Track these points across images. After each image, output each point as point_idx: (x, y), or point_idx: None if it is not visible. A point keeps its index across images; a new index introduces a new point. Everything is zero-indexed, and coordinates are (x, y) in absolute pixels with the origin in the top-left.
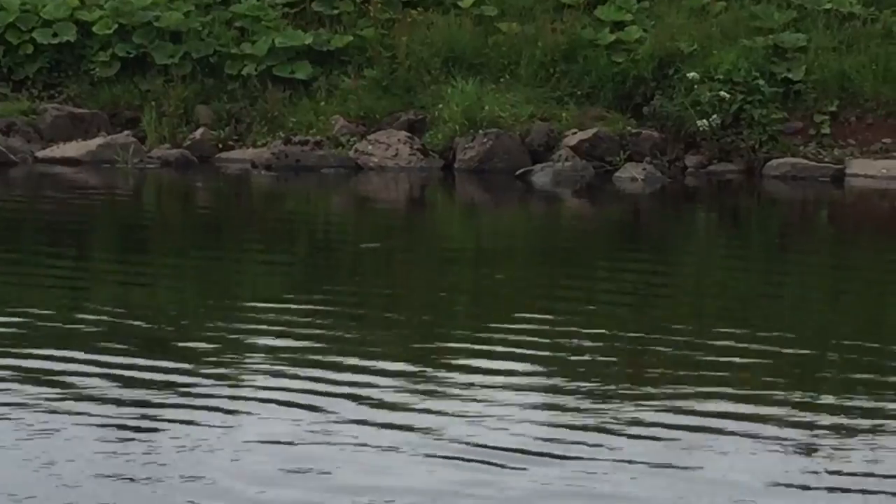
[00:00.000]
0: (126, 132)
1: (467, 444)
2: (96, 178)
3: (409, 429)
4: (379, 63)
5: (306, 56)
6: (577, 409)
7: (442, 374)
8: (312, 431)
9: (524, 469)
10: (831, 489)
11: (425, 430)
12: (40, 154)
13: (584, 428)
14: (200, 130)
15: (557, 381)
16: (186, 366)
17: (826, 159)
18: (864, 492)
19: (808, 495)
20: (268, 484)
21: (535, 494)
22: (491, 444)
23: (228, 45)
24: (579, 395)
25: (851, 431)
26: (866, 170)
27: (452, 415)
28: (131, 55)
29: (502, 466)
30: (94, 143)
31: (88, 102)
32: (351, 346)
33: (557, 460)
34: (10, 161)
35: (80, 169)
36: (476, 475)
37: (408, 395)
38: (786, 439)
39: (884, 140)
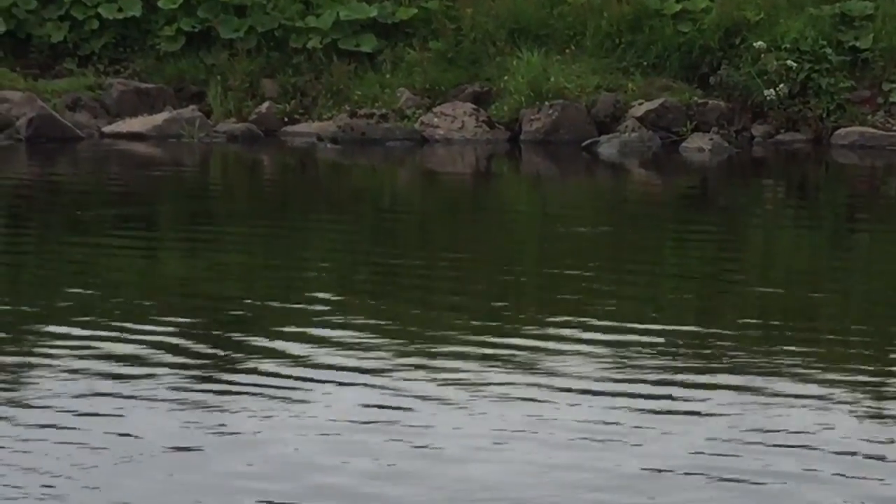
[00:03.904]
0: (192, 107)
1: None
2: (163, 153)
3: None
4: (444, 35)
5: (371, 29)
6: (647, 382)
7: (509, 346)
8: (381, 409)
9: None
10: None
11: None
12: (106, 129)
13: (655, 396)
14: (266, 104)
15: (626, 351)
16: (255, 339)
17: (894, 128)
18: None
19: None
20: (331, 466)
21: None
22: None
23: (293, 19)
24: (648, 368)
25: None
26: None
27: (519, 388)
28: (196, 29)
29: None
30: (160, 118)
31: (154, 77)
32: (418, 317)
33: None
34: (76, 136)
35: (146, 144)
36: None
37: (476, 369)
38: (858, 409)
39: None
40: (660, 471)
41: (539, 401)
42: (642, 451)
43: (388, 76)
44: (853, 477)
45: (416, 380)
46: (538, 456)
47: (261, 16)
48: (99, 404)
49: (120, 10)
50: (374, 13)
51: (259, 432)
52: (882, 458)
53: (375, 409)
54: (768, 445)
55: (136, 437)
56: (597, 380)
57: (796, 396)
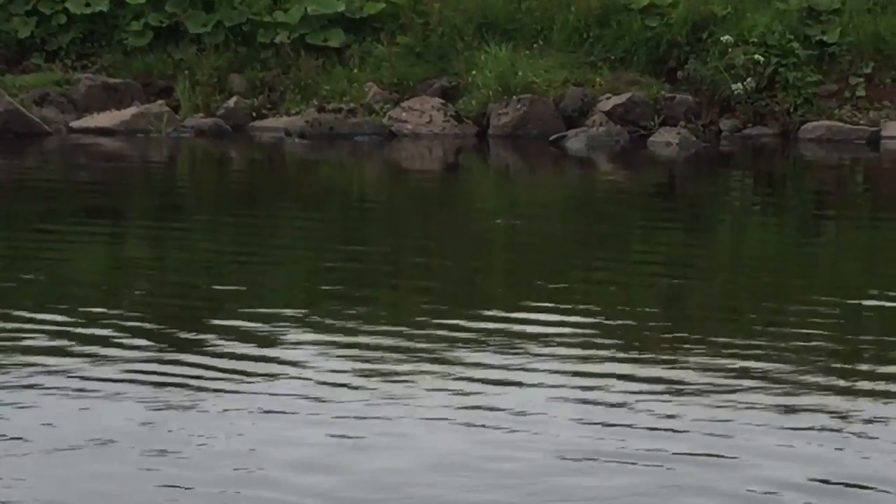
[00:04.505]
0: (160, 102)
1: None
2: (130, 148)
3: (455, 394)
4: (412, 30)
5: (339, 23)
6: (614, 372)
7: (477, 330)
8: (355, 405)
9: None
10: (864, 448)
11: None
12: (74, 124)
13: (623, 390)
14: (234, 99)
15: (595, 336)
16: (223, 332)
17: (861, 122)
18: None
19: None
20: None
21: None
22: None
23: (261, 14)
24: (616, 359)
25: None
26: None
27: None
28: (164, 24)
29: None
30: (127, 113)
31: (122, 72)
32: (387, 305)
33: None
34: (44, 132)
35: (113, 139)
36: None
37: (445, 360)
38: (825, 388)
39: None
40: (620, 451)
41: (506, 384)
42: (609, 432)
43: (355, 71)
44: (820, 453)
45: (383, 362)
46: (514, 436)
47: (228, 10)
48: (61, 390)
49: (87, 4)
50: (341, 8)
51: (224, 411)
52: (849, 435)
53: (341, 391)
54: (737, 424)
55: (99, 423)
56: (565, 363)
57: (763, 378)
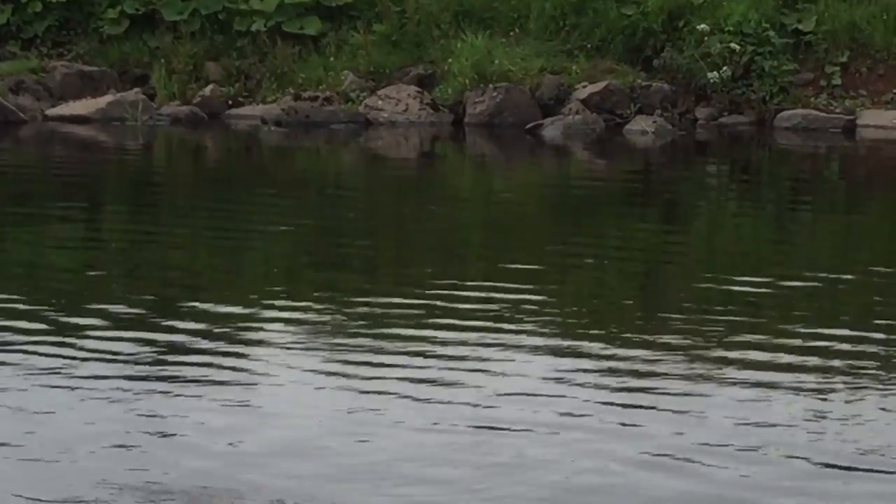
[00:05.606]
0: (135, 89)
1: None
2: (106, 136)
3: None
4: (388, 18)
5: (315, 11)
6: (590, 358)
7: (451, 330)
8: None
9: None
10: (843, 427)
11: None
12: (50, 112)
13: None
14: (210, 87)
15: (571, 324)
16: (201, 321)
17: (837, 110)
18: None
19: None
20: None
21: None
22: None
23: (237, 1)
24: (592, 343)
25: (864, 371)
26: (878, 120)
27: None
28: (140, 12)
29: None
30: (103, 101)
31: (98, 60)
32: (361, 283)
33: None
34: (19, 119)
35: (89, 127)
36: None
37: (418, 350)
38: (800, 385)
39: (895, 90)
40: (592, 425)
41: (480, 360)
42: (581, 406)
43: (332, 59)
44: (799, 425)
45: (356, 341)
46: (489, 411)
47: None
48: (34, 373)
49: None
50: None
51: (198, 397)
52: (830, 410)
53: (320, 376)
54: (714, 398)
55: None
56: (537, 339)
57: (739, 355)
